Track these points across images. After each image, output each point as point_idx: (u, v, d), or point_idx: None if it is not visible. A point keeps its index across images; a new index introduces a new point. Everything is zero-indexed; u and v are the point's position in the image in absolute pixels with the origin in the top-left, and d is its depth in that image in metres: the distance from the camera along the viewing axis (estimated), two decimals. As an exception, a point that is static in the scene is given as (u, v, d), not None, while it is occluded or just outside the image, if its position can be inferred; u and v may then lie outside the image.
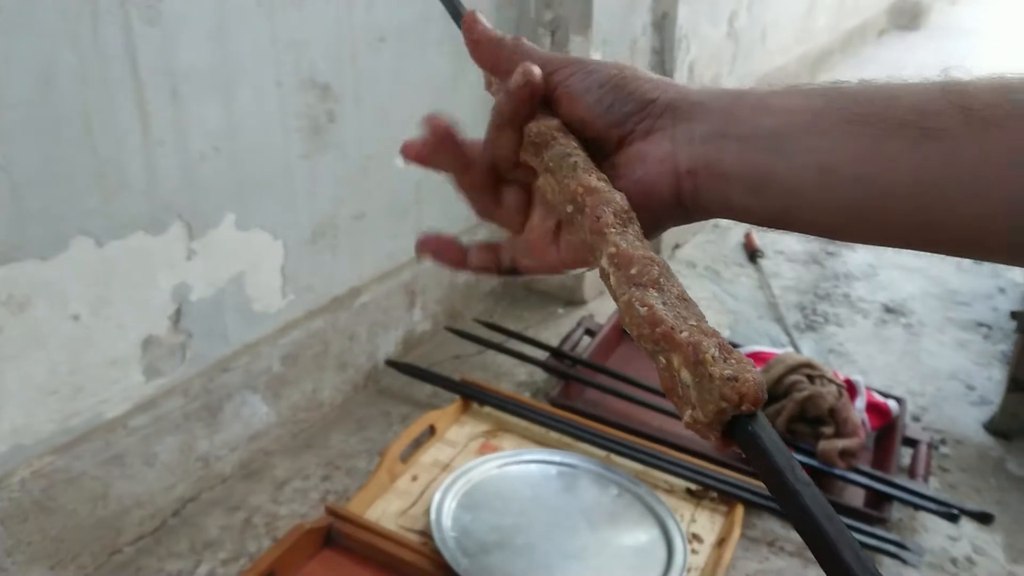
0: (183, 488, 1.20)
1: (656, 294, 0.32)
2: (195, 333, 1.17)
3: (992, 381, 1.65)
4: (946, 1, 6.10)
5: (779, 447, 0.27)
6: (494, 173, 0.42)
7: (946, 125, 0.33)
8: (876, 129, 0.34)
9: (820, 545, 0.25)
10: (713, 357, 0.29)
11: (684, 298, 0.33)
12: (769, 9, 2.88)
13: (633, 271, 0.33)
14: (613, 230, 0.35)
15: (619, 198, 0.36)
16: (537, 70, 0.39)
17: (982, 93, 0.34)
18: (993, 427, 1.50)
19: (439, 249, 0.44)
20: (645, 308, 0.32)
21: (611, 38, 1.70)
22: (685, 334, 0.30)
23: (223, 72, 1.11)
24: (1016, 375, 1.46)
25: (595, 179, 0.37)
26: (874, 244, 0.37)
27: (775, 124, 0.36)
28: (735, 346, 0.32)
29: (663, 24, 1.85)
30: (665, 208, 0.39)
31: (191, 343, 1.17)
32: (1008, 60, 4.45)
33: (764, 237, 2.26)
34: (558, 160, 0.38)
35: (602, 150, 0.40)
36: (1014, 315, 1.62)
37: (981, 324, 1.89)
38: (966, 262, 2.18)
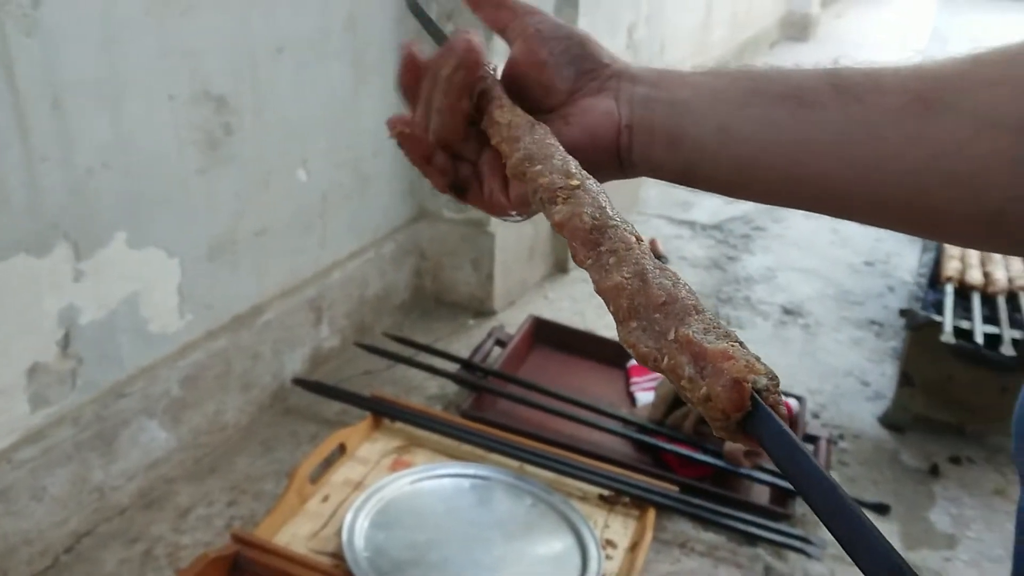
0: (77, 522, 1.14)
1: (634, 324, 0.33)
2: (86, 358, 1.11)
3: (885, 377, 1.73)
4: (832, 14, 6.41)
5: (782, 438, 0.27)
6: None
7: (820, 98, 0.41)
8: (766, 99, 0.42)
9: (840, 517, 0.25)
10: (690, 379, 0.30)
11: (644, 279, 0.33)
12: (667, 21, 2.96)
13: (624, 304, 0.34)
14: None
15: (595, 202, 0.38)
16: (476, 40, 0.43)
17: (854, 75, 0.41)
18: (887, 421, 1.57)
19: (410, 139, 0.45)
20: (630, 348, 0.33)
21: (514, 49, 1.70)
22: (664, 361, 0.31)
23: (111, 84, 1.06)
24: (906, 370, 1.53)
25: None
26: (759, 200, 0.45)
27: (690, 93, 0.44)
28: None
29: (564, 36, 1.87)
30: (605, 156, 0.44)
31: (82, 369, 1.11)
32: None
33: (668, 244, 2.31)
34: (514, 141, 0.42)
35: (546, 98, 0.45)
36: (903, 313, 1.71)
37: (873, 322, 1.98)
38: (858, 263, 2.28)
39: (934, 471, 1.45)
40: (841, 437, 1.53)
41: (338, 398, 1.44)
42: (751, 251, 2.33)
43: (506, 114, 0.43)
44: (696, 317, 0.32)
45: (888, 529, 1.31)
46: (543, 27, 0.44)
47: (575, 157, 0.40)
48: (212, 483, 1.28)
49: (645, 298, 0.33)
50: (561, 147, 0.41)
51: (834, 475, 1.41)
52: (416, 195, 1.79)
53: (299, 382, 1.48)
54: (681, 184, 0.45)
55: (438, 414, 1.39)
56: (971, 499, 1.40)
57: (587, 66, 0.45)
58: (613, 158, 0.45)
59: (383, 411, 1.37)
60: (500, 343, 1.63)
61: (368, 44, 1.52)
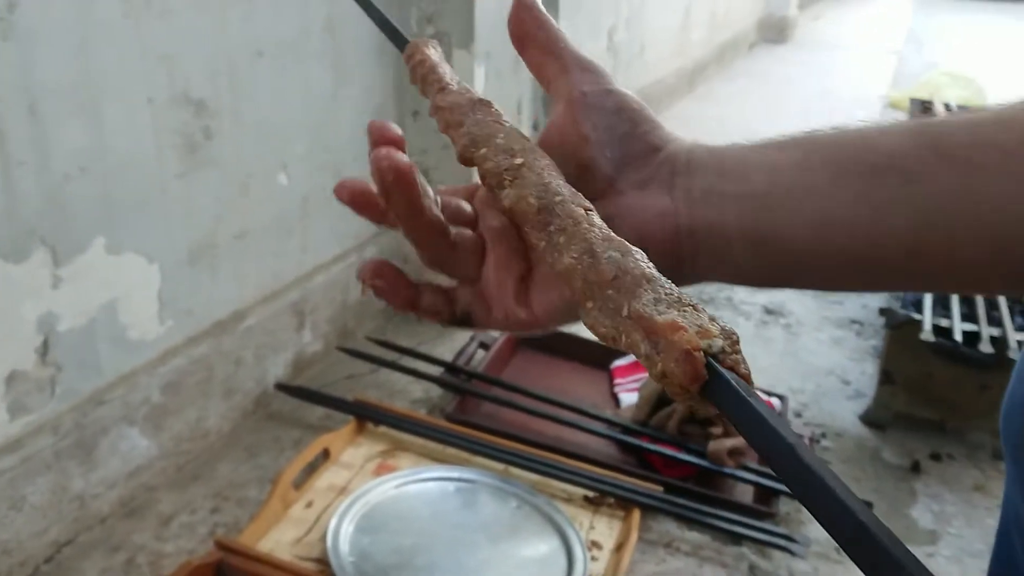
0: (57, 531, 1.12)
1: (590, 305, 0.31)
2: (65, 366, 1.10)
3: (866, 375, 1.75)
4: (810, 16, 6.46)
5: (740, 402, 0.26)
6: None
7: (926, 169, 0.34)
8: (860, 178, 0.35)
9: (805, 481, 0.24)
10: (647, 356, 0.28)
11: (593, 254, 0.32)
12: (646, 24, 2.98)
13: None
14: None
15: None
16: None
17: (956, 133, 0.34)
18: (868, 419, 1.58)
19: (387, 287, 0.37)
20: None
21: (494, 52, 1.71)
22: (623, 340, 0.30)
23: (88, 88, 1.05)
24: (886, 368, 1.54)
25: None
26: (873, 290, 0.38)
27: (768, 180, 0.35)
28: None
29: (545, 38, 1.88)
30: (661, 267, 0.34)
31: (61, 376, 1.10)
32: (862, 69, 4.75)
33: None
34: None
35: (582, 179, 0.36)
36: (883, 312, 1.73)
37: (854, 321, 1.99)
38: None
39: (915, 468, 1.47)
40: (823, 435, 1.54)
41: (321, 403, 1.43)
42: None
43: (447, 96, 0.38)
44: (647, 287, 0.30)
45: (871, 526, 1.32)
46: (591, 91, 0.37)
47: None
48: (195, 490, 1.27)
49: (596, 275, 0.31)
50: (506, 122, 0.37)
51: (817, 473, 1.42)
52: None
53: (282, 387, 1.47)
54: (770, 287, 0.39)
55: (422, 418, 1.39)
56: (952, 495, 1.41)
57: (635, 149, 0.37)
58: (672, 268, 0.34)
59: (367, 415, 1.36)
60: (483, 346, 1.63)
61: (347, 46, 1.52)
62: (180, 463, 1.30)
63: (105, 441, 1.17)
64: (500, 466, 1.30)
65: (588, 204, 0.33)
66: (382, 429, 1.36)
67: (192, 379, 1.30)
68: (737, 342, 0.28)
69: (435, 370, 1.54)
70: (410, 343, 1.67)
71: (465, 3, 1.60)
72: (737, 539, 1.24)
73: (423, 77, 0.40)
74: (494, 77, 1.72)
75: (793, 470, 0.24)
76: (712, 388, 0.27)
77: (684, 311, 0.29)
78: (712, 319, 0.29)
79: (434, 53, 0.40)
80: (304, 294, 1.53)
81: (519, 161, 0.35)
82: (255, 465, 1.33)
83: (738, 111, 3.82)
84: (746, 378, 0.28)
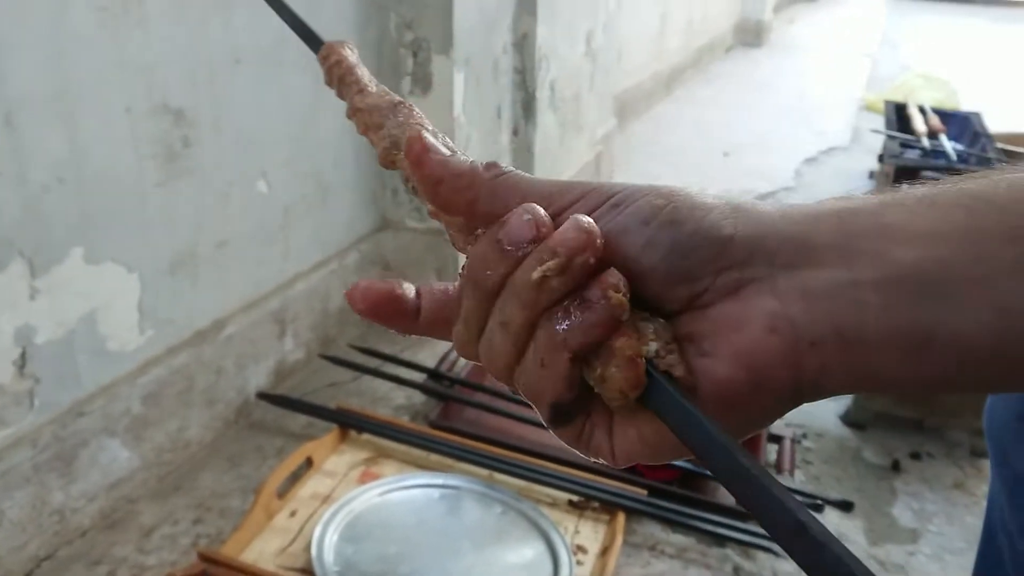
0: (36, 546, 1.11)
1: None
2: (43, 378, 1.08)
3: (845, 375, 1.76)
4: (784, 20, 6.52)
5: (677, 407, 0.26)
6: None
7: None
8: None
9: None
10: (590, 364, 0.28)
11: None
12: (623, 29, 3.00)
13: None
14: None
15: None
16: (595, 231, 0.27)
17: None
18: (848, 419, 1.60)
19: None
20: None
21: (473, 58, 1.71)
22: None
23: (65, 98, 1.04)
24: (865, 369, 1.56)
25: None
26: None
27: (919, 258, 0.26)
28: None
29: (523, 44, 1.88)
30: (778, 396, 0.27)
31: (39, 389, 1.08)
32: (837, 72, 4.80)
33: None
34: None
35: (660, 311, 0.29)
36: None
37: (832, 322, 2.01)
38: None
39: (895, 467, 1.48)
40: (804, 436, 1.55)
41: (304, 411, 1.42)
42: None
43: (367, 98, 0.36)
44: None
45: (853, 526, 1.33)
46: (598, 222, 0.28)
47: (725, 406, 0.27)
48: (176, 501, 1.26)
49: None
50: (429, 124, 0.34)
51: (799, 474, 1.43)
52: (379, 205, 1.79)
53: (264, 396, 1.46)
54: (928, 393, 0.31)
55: (406, 425, 1.38)
56: (932, 493, 1.43)
57: (703, 254, 0.28)
58: (790, 394, 0.28)
59: (350, 423, 1.36)
60: (466, 352, 1.63)
61: (327, 54, 1.51)
62: (161, 474, 1.29)
63: (85, 453, 1.15)
64: (484, 472, 1.30)
65: None
66: (365, 437, 1.36)
67: (173, 389, 1.29)
68: (671, 339, 0.27)
69: (418, 376, 1.54)
70: (392, 350, 1.67)
71: (444, 9, 1.60)
72: (721, 541, 1.24)
73: (340, 78, 0.38)
74: (473, 83, 1.73)
75: (732, 472, 0.24)
76: (649, 394, 0.27)
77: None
78: (646, 317, 0.28)
79: (351, 55, 0.39)
80: (285, 302, 1.52)
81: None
82: (237, 475, 1.32)
83: (716, 114, 3.84)
84: (684, 381, 0.27)
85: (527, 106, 1.95)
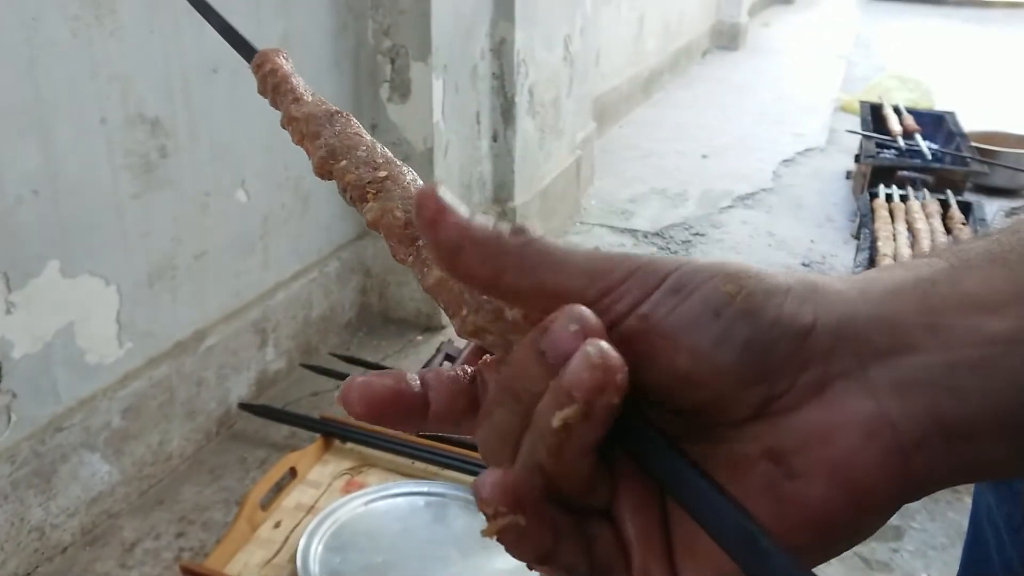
0: (16, 564, 1.09)
1: (464, 311, 0.29)
2: (20, 393, 1.07)
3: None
4: (759, 23, 6.58)
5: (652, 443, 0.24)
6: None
7: None
8: None
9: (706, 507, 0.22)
10: None
11: None
12: (601, 33, 3.01)
13: None
14: None
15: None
16: (614, 356, 0.22)
17: None
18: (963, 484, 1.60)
19: (527, 538, 0.24)
20: None
21: (451, 64, 1.71)
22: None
23: (38, 108, 1.03)
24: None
25: None
26: None
27: (1010, 329, 0.23)
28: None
29: (501, 49, 1.88)
30: (881, 508, 0.24)
31: (16, 404, 1.07)
32: (812, 73, 4.84)
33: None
34: None
35: (716, 414, 0.24)
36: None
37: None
38: (796, 265, 2.34)
39: (878, 465, 1.49)
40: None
41: (286, 421, 1.41)
42: (703, 238, 2.37)
43: (303, 107, 0.35)
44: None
45: (837, 524, 1.34)
46: (655, 312, 0.24)
47: (821, 532, 0.23)
48: (158, 515, 1.24)
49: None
50: (367, 135, 0.33)
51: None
52: (358, 212, 1.78)
53: (245, 407, 1.45)
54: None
55: (390, 433, 1.38)
56: (914, 490, 1.44)
57: (781, 348, 0.23)
58: (892, 505, 0.24)
59: (333, 432, 1.35)
60: (449, 358, 1.63)
61: (304, 61, 1.51)
62: (143, 488, 1.28)
63: (64, 468, 1.14)
64: (470, 478, 1.29)
65: None
66: (349, 446, 1.35)
67: (153, 402, 1.28)
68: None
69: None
70: (375, 358, 1.66)
71: (422, 16, 1.60)
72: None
73: (275, 87, 0.37)
74: (452, 89, 1.73)
75: (680, 479, 0.23)
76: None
77: None
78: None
79: (286, 63, 0.38)
80: (266, 312, 1.51)
81: (383, 174, 0.32)
82: (220, 487, 1.31)
83: (695, 116, 3.87)
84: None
85: (506, 111, 1.95)
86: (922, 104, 3.51)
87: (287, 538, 1.16)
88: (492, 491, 0.23)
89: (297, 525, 1.18)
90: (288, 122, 0.35)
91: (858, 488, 0.22)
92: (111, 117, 1.13)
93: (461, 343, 1.69)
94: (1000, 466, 0.24)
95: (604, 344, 0.21)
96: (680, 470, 0.23)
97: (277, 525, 1.18)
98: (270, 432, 1.43)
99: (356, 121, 0.34)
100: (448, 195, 0.24)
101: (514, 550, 0.24)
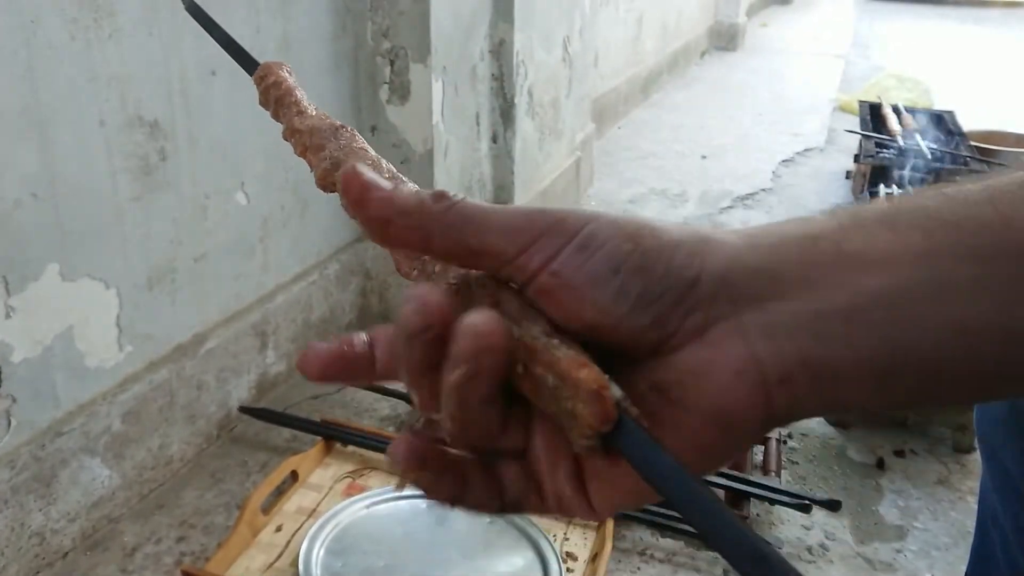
0: (16, 569, 1.09)
1: None
2: (20, 398, 1.06)
3: (828, 375, 1.77)
4: (758, 23, 6.58)
5: (650, 451, 0.25)
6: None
7: None
8: (1007, 264, 0.27)
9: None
10: (553, 389, 0.27)
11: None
12: (599, 34, 3.01)
13: None
14: None
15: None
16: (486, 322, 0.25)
17: None
18: (833, 418, 1.60)
19: (434, 481, 0.29)
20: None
21: (451, 65, 1.71)
22: (519, 369, 0.28)
23: (37, 112, 1.03)
24: (848, 367, 1.56)
25: None
26: None
27: (881, 285, 0.27)
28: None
29: (500, 51, 1.88)
30: (749, 436, 0.27)
31: (16, 409, 1.06)
32: (811, 73, 4.84)
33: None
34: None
35: (625, 359, 0.28)
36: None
37: (813, 322, 2.02)
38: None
39: (880, 465, 1.49)
40: (789, 436, 1.56)
41: (287, 424, 1.41)
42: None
43: (306, 120, 0.35)
44: (530, 318, 0.28)
45: (839, 525, 1.33)
46: (567, 270, 0.27)
47: (695, 453, 0.27)
48: (159, 519, 1.24)
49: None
50: (370, 149, 0.34)
51: (785, 474, 1.43)
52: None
53: (246, 410, 1.44)
54: (889, 412, 0.31)
55: (391, 435, 1.37)
56: (916, 490, 1.43)
57: (671, 298, 0.27)
58: (758, 430, 0.27)
59: (334, 435, 1.35)
60: (450, 360, 1.62)
61: (304, 64, 1.51)
62: (143, 492, 1.27)
63: (65, 473, 1.13)
64: (471, 481, 1.29)
65: None
66: (350, 449, 1.34)
67: (153, 405, 1.27)
68: (628, 397, 0.27)
69: (402, 386, 1.52)
70: (375, 360, 1.65)
71: (421, 17, 1.60)
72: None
73: (278, 99, 0.38)
74: (452, 91, 1.72)
75: (704, 516, 0.24)
76: (616, 433, 0.26)
77: (571, 351, 0.27)
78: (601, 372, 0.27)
79: (289, 76, 0.38)
80: (266, 314, 1.51)
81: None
82: (221, 491, 1.30)
83: (693, 117, 3.86)
84: (642, 422, 0.26)
85: (505, 113, 1.94)
86: (921, 104, 3.51)
87: (288, 542, 1.15)
88: (402, 456, 0.28)
89: (299, 529, 1.17)
90: (291, 134, 0.35)
91: (726, 417, 0.26)
92: (110, 120, 1.13)
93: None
94: (861, 405, 0.27)
95: (480, 316, 0.25)
96: (686, 485, 0.24)
97: (278, 529, 1.18)
98: (271, 435, 1.43)
99: (360, 136, 0.34)
100: (370, 172, 0.27)
101: (427, 496, 0.29)
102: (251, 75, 0.40)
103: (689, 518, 0.24)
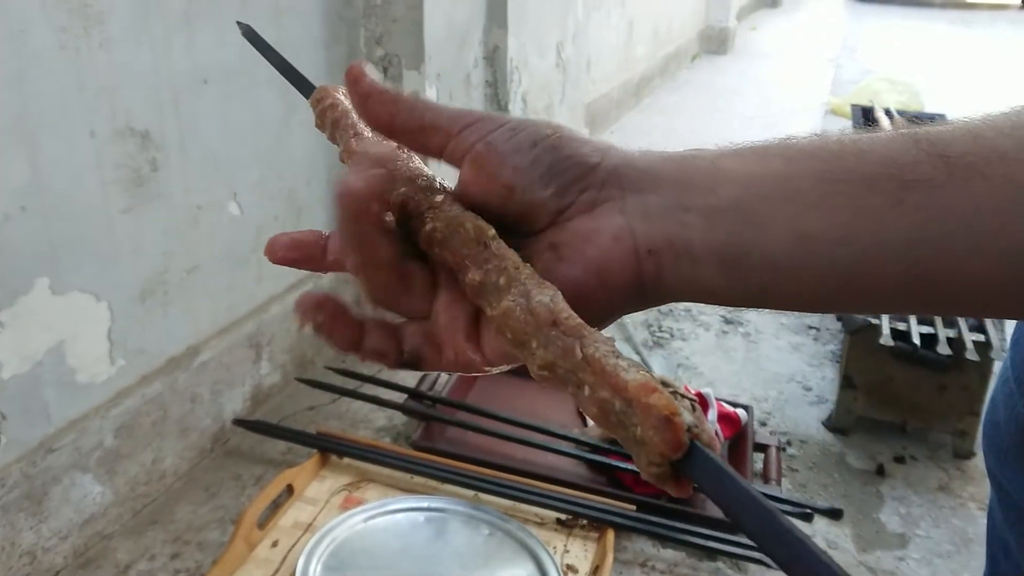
0: (7, 589, 1.07)
1: (534, 344, 0.30)
2: (10, 415, 1.04)
3: (826, 380, 1.76)
4: (747, 27, 6.59)
5: (725, 479, 0.25)
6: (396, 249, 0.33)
7: (928, 175, 0.31)
8: (851, 186, 0.32)
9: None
10: (620, 415, 0.27)
11: (527, 296, 0.31)
12: (591, 39, 3.00)
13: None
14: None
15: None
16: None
17: (956, 141, 0.32)
18: (831, 424, 1.59)
19: (328, 323, 0.33)
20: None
21: (445, 72, 1.69)
22: (586, 392, 0.28)
23: (26, 123, 1.01)
24: (847, 373, 1.56)
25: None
26: (865, 312, 0.34)
27: (742, 193, 0.32)
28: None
29: (494, 57, 1.87)
30: (622, 293, 0.33)
31: (6, 426, 1.04)
32: (801, 77, 4.85)
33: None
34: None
35: (524, 224, 0.34)
36: (840, 317, 1.74)
37: (811, 327, 2.01)
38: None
39: (880, 471, 1.48)
40: (788, 443, 1.55)
41: (282, 437, 1.39)
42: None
43: (363, 142, 0.36)
44: (590, 335, 0.29)
45: (841, 532, 1.32)
46: (496, 140, 0.33)
47: (578, 301, 0.30)
48: (153, 536, 1.22)
49: (536, 316, 0.29)
50: (426, 169, 0.35)
51: (785, 482, 1.42)
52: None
53: (240, 423, 1.42)
54: (746, 308, 0.37)
55: (388, 447, 1.36)
56: (917, 497, 1.43)
57: (573, 174, 0.33)
58: (633, 293, 0.33)
59: (330, 447, 1.33)
60: (446, 369, 1.61)
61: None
62: (136, 508, 1.25)
63: (56, 490, 1.11)
64: (470, 493, 1.27)
65: (516, 255, 0.33)
66: (347, 461, 1.33)
67: (146, 420, 1.25)
68: (702, 418, 0.27)
69: (398, 397, 1.51)
70: (371, 370, 1.64)
71: (414, 24, 1.58)
72: (712, 554, 1.23)
73: (334, 122, 0.38)
74: (446, 97, 1.71)
75: (776, 539, 0.23)
76: (688, 462, 0.25)
77: (642, 372, 0.26)
78: (677, 392, 0.27)
79: (345, 99, 0.39)
80: (260, 325, 1.49)
81: (439, 199, 0.33)
82: (215, 505, 1.28)
83: (685, 121, 3.86)
84: (715, 448, 0.26)
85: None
86: (912, 106, 3.52)
87: (285, 557, 1.14)
88: (304, 305, 0.33)
89: (295, 544, 1.16)
90: (348, 156, 0.37)
91: (603, 272, 0.32)
92: (100, 130, 1.11)
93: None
94: (712, 289, 0.33)
95: (356, 175, 0.30)
96: (781, 532, 0.23)
97: (275, 544, 1.16)
98: (266, 448, 1.41)
99: (416, 157, 0.36)
100: (371, 69, 0.35)
101: (327, 342, 0.34)
102: (307, 98, 0.40)
103: (765, 548, 0.24)
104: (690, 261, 0.32)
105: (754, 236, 0.32)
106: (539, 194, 0.33)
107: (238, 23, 0.43)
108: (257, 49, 0.43)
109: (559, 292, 0.30)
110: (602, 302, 0.32)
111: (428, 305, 0.34)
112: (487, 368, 0.33)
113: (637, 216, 0.32)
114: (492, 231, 0.32)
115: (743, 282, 0.32)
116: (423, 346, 0.34)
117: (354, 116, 0.37)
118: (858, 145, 0.33)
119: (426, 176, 0.35)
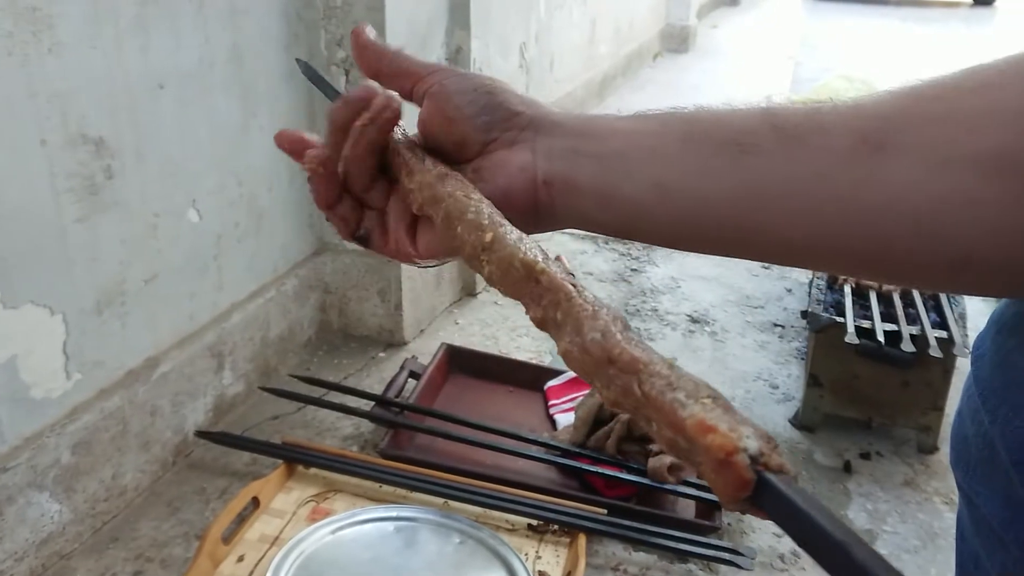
0: (-40, 614, 1.03)
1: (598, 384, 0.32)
2: (-39, 433, 1.01)
3: (792, 378, 1.78)
4: (708, 25, 6.64)
5: (799, 507, 0.24)
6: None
7: (760, 142, 0.37)
8: (704, 148, 0.38)
9: None
10: (687, 452, 0.27)
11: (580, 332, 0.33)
12: (555, 39, 2.99)
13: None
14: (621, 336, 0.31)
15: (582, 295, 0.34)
16: (396, 97, 0.42)
17: (793, 115, 0.37)
18: (798, 422, 1.60)
19: (322, 179, 0.42)
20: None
21: (407, 74, 1.67)
22: (654, 428, 0.28)
23: (-29, 132, 0.97)
24: (813, 372, 1.57)
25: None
26: (706, 252, 0.42)
27: (621, 145, 0.40)
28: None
29: (457, 59, 1.85)
30: (522, 214, 0.41)
31: (-44, 445, 1.01)
32: (762, 75, 4.90)
33: (573, 259, 2.31)
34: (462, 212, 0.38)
35: (461, 152, 0.42)
36: (804, 314, 1.75)
37: (776, 325, 2.03)
38: (756, 267, 2.34)
39: (847, 468, 1.49)
40: (757, 442, 1.55)
41: (247, 448, 1.36)
42: (654, 262, 2.36)
43: (416, 178, 0.41)
44: (645, 369, 0.29)
45: (810, 531, 1.33)
46: (448, 82, 0.42)
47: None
48: (114, 554, 1.18)
49: (589, 356, 0.31)
50: (475, 194, 0.40)
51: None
52: (316, 228, 1.73)
53: (203, 434, 1.39)
54: (617, 238, 0.44)
55: (355, 456, 1.33)
56: (884, 492, 1.44)
57: (500, 115, 0.42)
58: (530, 214, 0.42)
59: (296, 458, 1.31)
60: (414, 375, 1.59)
61: (256, 75, 1.46)
62: (96, 525, 1.22)
63: (11, 511, 1.08)
64: (440, 501, 1.26)
65: (567, 270, 0.36)
66: (313, 471, 1.30)
67: (105, 434, 1.22)
68: (773, 442, 0.26)
69: (365, 404, 1.48)
70: (336, 377, 1.61)
71: (376, 26, 1.55)
72: (683, 556, 1.23)
73: (394, 149, 0.44)
74: (408, 100, 1.69)
75: (851, 571, 0.23)
76: (760, 493, 0.25)
77: (704, 402, 0.26)
78: (744, 420, 0.26)
79: (397, 130, 0.45)
80: (221, 334, 1.46)
81: (488, 237, 0.37)
82: (179, 520, 1.25)
83: (648, 120, 3.87)
84: (790, 475, 0.26)
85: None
86: (870, 104, 3.55)
87: (251, 573, 1.11)
88: (311, 155, 0.43)
89: (261, 558, 1.13)
90: (404, 194, 0.42)
91: (509, 195, 0.41)
92: (52, 138, 1.08)
93: (425, 359, 1.65)
94: (593, 220, 0.41)
95: (388, 94, 0.42)
96: (855, 565, 0.23)
97: (240, 559, 1.13)
98: (230, 460, 1.38)
99: (463, 180, 0.41)
100: (372, 31, 0.44)
101: (314, 195, 0.43)
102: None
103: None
104: (575, 194, 0.41)
105: (622, 180, 0.39)
106: (471, 127, 0.42)
107: (297, 60, 0.50)
108: (316, 85, 0.49)
109: (613, 321, 0.31)
110: (505, 213, 0.39)
111: (385, 201, 0.43)
112: (419, 260, 0.43)
113: (542, 155, 0.41)
114: (540, 264, 0.35)
115: (614, 216, 0.40)
116: (375, 229, 0.44)
117: (404, 153, 0.43)
118: (718, 115, 0.39)
119: (474, 207, 0.41)
